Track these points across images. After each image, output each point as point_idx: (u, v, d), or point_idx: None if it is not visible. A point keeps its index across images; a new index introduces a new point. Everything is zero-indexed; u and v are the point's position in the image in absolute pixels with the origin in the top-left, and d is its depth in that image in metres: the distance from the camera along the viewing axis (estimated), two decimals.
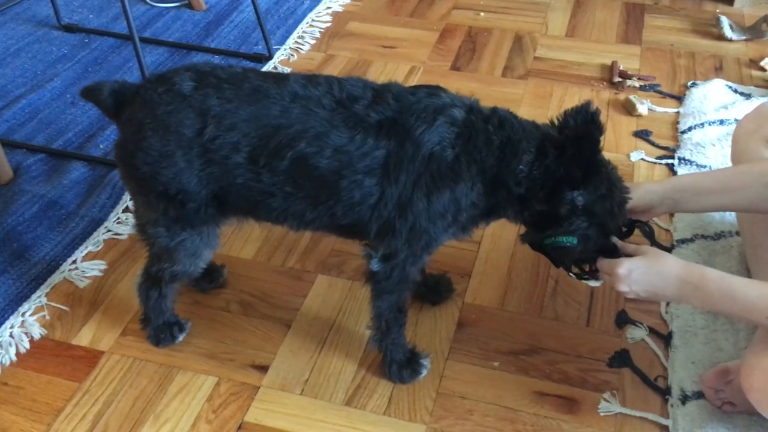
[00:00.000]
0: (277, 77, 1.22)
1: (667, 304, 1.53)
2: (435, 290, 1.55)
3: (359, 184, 1.16)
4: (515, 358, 1.44)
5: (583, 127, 1.17)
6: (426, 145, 1.14)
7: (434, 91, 1.20)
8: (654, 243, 1.61)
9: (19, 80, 2.24)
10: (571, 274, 1.31)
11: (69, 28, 2.49)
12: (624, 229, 1.31)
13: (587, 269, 1.29)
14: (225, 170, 1.19)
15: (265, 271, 1.64)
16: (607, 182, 1.19)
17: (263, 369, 1.42)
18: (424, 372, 1.39)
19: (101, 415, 1.33)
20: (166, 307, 1.43)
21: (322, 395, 1.37)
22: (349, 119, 1.16)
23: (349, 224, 1.21)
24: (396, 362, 1.38)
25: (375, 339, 1.36)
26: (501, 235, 1.72)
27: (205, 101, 1.17)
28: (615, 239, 1.26)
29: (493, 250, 1.69)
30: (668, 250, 1.63)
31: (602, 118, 1.99)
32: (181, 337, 1.46)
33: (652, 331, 1.48)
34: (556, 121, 1.21)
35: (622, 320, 1.51)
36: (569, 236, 1.21)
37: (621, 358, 1.43)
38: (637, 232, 1.35)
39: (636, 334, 1.48)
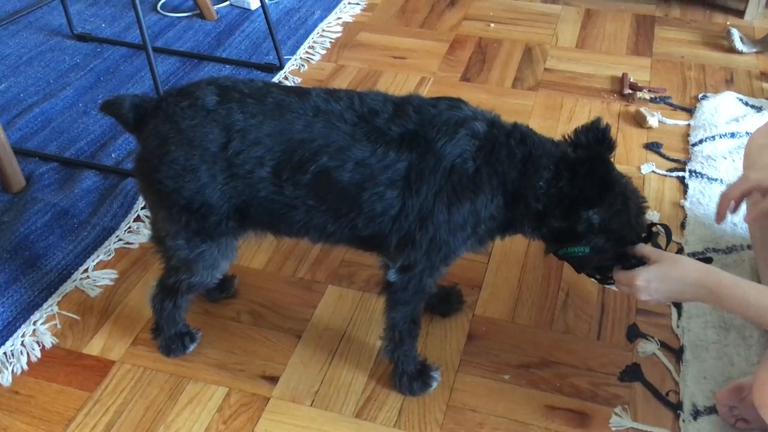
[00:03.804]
0: (300, 92, 1.23)
1: (679, 317, 1.52)
2: (445, 302, 1.55)
3: (381, 196, 1.17)
4: (526, 371, 1.44)
5: (593, 146, 1.18)
6: (447, 158, 1.15)
7: (455, 103, 1.21)
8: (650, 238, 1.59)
9: (32, 89, 2.26)
10: (593, 279, 1.31)
11: (82, 37, 2.51)
12: (643, 235, 1.31)
13: (607, 275, 1.29)
14: (248, 184, 1.19)
15: (276, 281, 1.64)
16: (621, 197, 1.20)
17: (273, 380, 1.42)
18: (435, 384, 1.39)
19: (112, 425, 1.33)
20: (179, 318, 1.43)
21: (332, 407, 1.37)
22: (370, 133, 1.16)
23: (369, 236, 1.22)
24: (407, 374, 1.38)
25: (387, 350, 1.36)
26: (511, 247, 1.71)
27: (230, 116, 1.18)
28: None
29: (503, 263, 1.68)
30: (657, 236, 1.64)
31: (612, 130, 2.00)
32: (192, 348, 1.46)
33: (664, 345, 1.48)
34: (569, 137, 1.22)
35: (633, 334, 1.50)
36: (581, 247, 1.21)
37: (632, 372, 1.43)
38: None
39: (647, 348, 1.47)
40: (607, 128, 1.21)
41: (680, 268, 1.19)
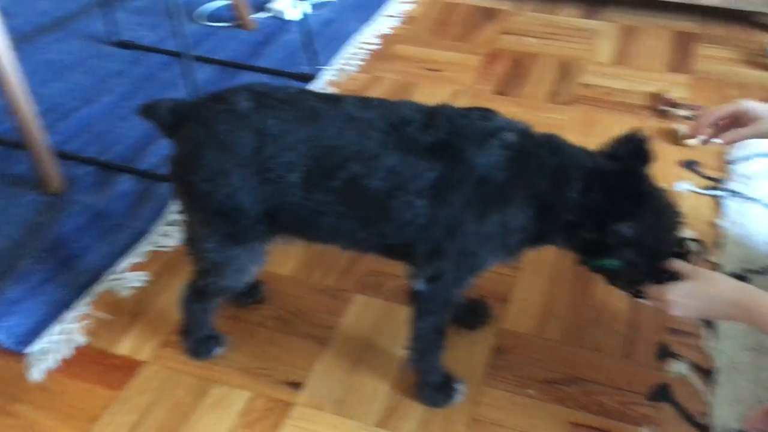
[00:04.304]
0: (333, 99, 1.24)
1: (712, 338, 1.49)
2: (472, 314, 1.54)
3: (410, 204, 1.17)
4: (552, 387, 1.42)
5: (630, 157, 1.17)
6: (477, 168, 1.15)
7: (487, 113, 1.21)
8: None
9: (74, 94, 2.31)
10: (624, 292, 1.29)
11: (124, 45, 2.56)
12: (676, 250, 1.29)
13: (639, 288, 1.27)
14: (280, 189, 1.20)
15: (303, 288, 1.65)
16: (656, 211, 1.17)
17: (297, 386, 1.42)
18: (458, 397, 1.38)
19: (137, 425, 1.35)
20: (207, 321, 1.45)
21: (354, 415, 1.37)
22: (401, 141, 1.17)
23: (398, 244, 1.22)
24: (430, 385, 1.37)
25: (411, 360, 1.36)
26: (541, 260, 1.70)
27: (264, 121, 1.19)
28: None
29: (532, 276, 1.67)
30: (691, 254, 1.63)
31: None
32: (219, 351, 1.47)
33: (695, 366, 1.45)
34: (605, 147, 1.21)
35: (664, 353, 1.48)
36: (613, 260, 1.20)
37: (661, 393, 1.40)
38: None
39: (678, 368, 1.44)
40: (645, 140, 1.19)
41: (715, 285, 1.17)
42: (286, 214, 1.23)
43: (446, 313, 1.29)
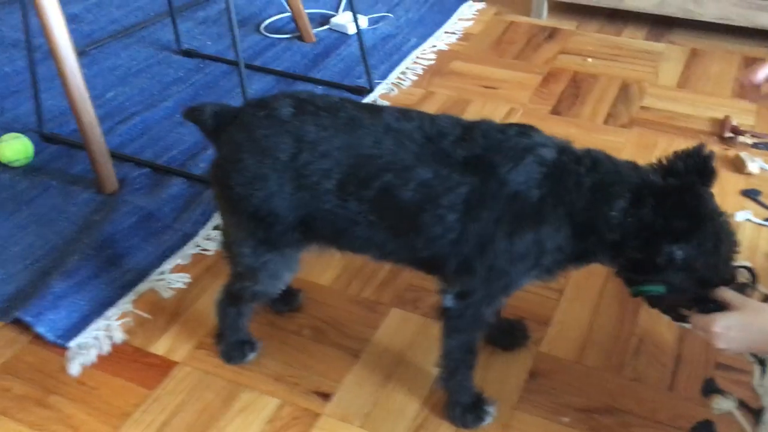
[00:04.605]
0: (372, 109, 1.24)
1: (762, 374, 1.41)
2: (509, 335, 1.50)
3: (441, 218, 1.15)
4: (588, 416, 1.37)
5: (691, 173, 1.11)
6: (511, 184, 1.12)
7: (525, 130, 1.18)
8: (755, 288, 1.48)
9: (137, 98, 2.38)
10: (667, 316, 1.23)
11: (187, 53, 2.63)
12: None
13: (683, 314, 1.21)
14: (315, 196, 1.21)
15: (341, 299, 1.64)
16: (714, 236, 1.10)
17: (327, 397, 1.41)
18: (489, 419, 1.35)
19: (166, 424, 1.36)
20: (242, 326, 1.46)
21: (381, 430, 1.35)
22: (436, 154, 1.15)
23: (428, 258, 1.20)
24: (460, 405, 1.34)
25: (441, 378, 1.33)
26: (585, 285, 1.65)
27: (302, 127, 1.20)
28: None
29: (575, 300, 1.62)
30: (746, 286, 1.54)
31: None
32: (251, 357, 1.48)
33: (742, 404, 1.37)
34: (664, 162, 1.15)
35: (710, 388, 1.40)
36: (657, 285, 1.14)
37: (704, 429, 1.33)
38: None
39: (723, 405, 1.36)
40: (711, 155, 1.13)
41: (764, 318, 1.10)
42: (321, 221, 1.22)
43: (476, 332, 1.26)
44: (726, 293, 1.13)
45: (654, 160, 1.17)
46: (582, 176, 1.12)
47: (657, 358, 1.48)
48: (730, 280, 1.16)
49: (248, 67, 2.53)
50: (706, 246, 1.09)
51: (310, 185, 1.19)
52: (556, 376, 1.45)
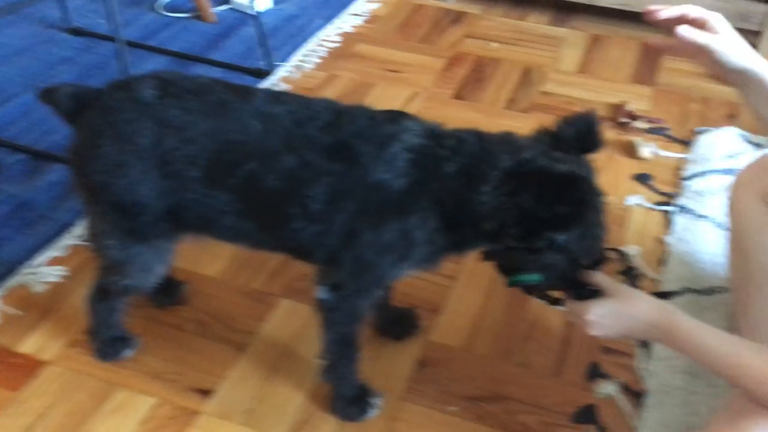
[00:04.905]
0: (244, 91, 1.17)
1: (645, 359, 1.43)
2: (399, 325, 1.47)
3: (305, 208, 1.10)
4: (474, 405, 1.36)
5: (578, 140, 1.07)
6: (374, 173, 1.07)
7: (395, 116, 1.13)
8: (625, 273, 1.49)
9: (18, 79, 2.24)
10: (542, 301, 1.22)
11: (76, 32, 2.49)
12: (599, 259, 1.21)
13: (558, 298, 1.20)
14: (180, 184, 1.14)
15: (228, 290, 1.58)
16: (594, 220, 1.06)
17: (207, 393, 1.35)
18: (374, 412, 1.32)
19: (30, 428, 1.28)
20: (115, 321, 1.38)
21: (263, 427, 1.30)
22: (301, 140, 1.10)
23: (296, 249, 1.15)
24: (344, 398, 1.30)
25: (324, 371, 1.29)
26: (479, 272, 1.63)
27: (166, 111, 1.12)
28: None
29: (468, 287, 1.60)
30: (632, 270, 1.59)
31: (603, 157, 1.90)
32: (128, 353, 1.40)
33: (625, 388, 1.39)
34: (551, 129, 1.10)
35: (594, 373, 1.41)
36: (532, 274, 1.12)
37: (587, 414, 1.34)
38: None
39: (606, 389, 1.38)
40: (597, 121, 1.08)
41: (634, 306, 1.10)
42: (189, 211, 1.16)
43: (353, 325, 1.22)
44: (600, 279, 1.13)
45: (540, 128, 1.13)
46: (446, 161, 1.07)
47: (545, 344, 1.48)
48: (601, 260, 1.15)
49: (141, 47, 2.42)
50: (586, 230, 1.06)
51: (175, 173, 1.12)
52: (445, 365, 1.43)
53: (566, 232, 1.04)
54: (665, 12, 1.21)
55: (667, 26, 1.21)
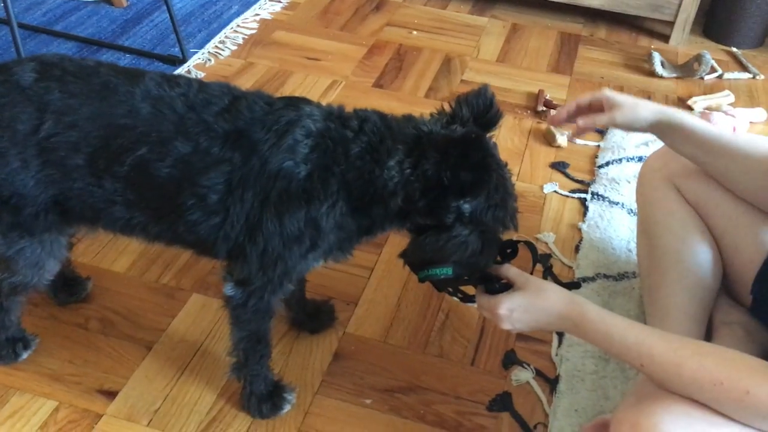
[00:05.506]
0: (132, 74, 1.11)
1: (559, 345, 1.44)
2: (315, 318, 1.44)
3: (201, 199, 1.05)
4: (390, 396, 1.34)
5: (477, 117, 1.05)
6: (274, 161, 1.03)
7: (293, 102, 1.09)
8: (538, 262, 1.48)
9: None
10: (454, 297, 1.20)
11: None
12: (508, 251, 1.20)
13: (469, 294, 1.19)
14: (64, 173, 1.07)
15: (136, 286, 1.51)
16: (501, 188, 1.04)
17: (111, 395, 1.29)
18: (287, 408, 1.28)
19: None
20: (10, 322, 1.30)
21: (171, 428, 1.25)
22: (196, 126, 1.05)
23: (195, 242, 1.10)
24: (256, 395, 1.26)
25: (234, 368, 1.25)
26: (396, 263, 1.61)
27: (46, 95, 1.06)
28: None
29: (385, 278, 1.59)
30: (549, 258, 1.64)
31: (521, 147, 1.91)
32: (25, 355, 1.33)
33: (539, 374, 1.39)
34: (446, 108, 1.08)
35: (510, 361, 1.42)
36: (443, 267, 1.11)
37: (502, 402, 1.34)
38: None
39: (522, 376, 1.39)
40: (492, 96, 1.07)
41: (545, 298, 1.10)
42: (75, 201, 1.09)
43: (263, 321, 1.18)
44: (510, 271, 1.12)
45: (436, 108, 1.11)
46: (351, 142, 1.04)
47: (461, 334, 1.47)
48: (508, 251, 1.14)
49: (46, 32, 2.31)
50: (494, 198, 1.03)
51: (57, 161, 1.06)
52: (361, 358, 1.41)
53: (471, 196, 1.01)
54: (562, 113, 1.32)
55: (571, 122, 1.30)
